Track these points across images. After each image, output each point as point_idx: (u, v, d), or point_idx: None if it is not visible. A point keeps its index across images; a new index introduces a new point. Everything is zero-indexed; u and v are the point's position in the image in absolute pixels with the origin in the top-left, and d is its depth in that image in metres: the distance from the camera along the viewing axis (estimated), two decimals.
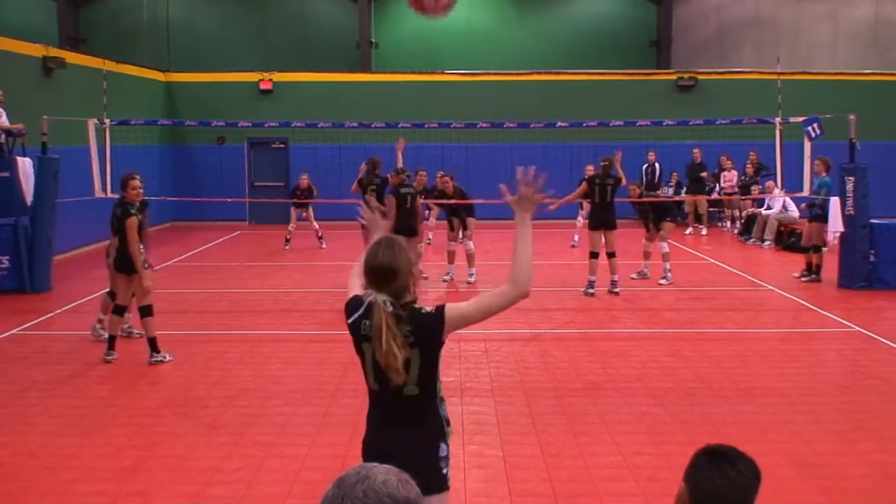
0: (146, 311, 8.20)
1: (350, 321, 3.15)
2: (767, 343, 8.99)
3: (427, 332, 3.06)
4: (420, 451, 3.12)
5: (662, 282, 12.27)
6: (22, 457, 5.82)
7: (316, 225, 16.46)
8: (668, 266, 12.34)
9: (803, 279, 12.57)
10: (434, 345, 3.09)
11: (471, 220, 12.80)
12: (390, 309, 3.01)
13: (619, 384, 7.46)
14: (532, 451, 5.86)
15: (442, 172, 13.20)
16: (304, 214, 16.52)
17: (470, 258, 12.59)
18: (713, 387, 7.37)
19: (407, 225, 11.11)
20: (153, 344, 8.19)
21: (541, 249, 16.14)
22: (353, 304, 3.18)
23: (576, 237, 16.35)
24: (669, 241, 12.81)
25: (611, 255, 11.62)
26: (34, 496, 5.23)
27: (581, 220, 15.95)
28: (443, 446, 3.18)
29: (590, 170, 14.65)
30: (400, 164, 12.31)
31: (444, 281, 12.57)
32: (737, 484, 2.06)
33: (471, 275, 12.47)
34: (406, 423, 3.14)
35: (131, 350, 8.75)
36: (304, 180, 16.55)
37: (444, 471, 3.17)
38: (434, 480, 3.14)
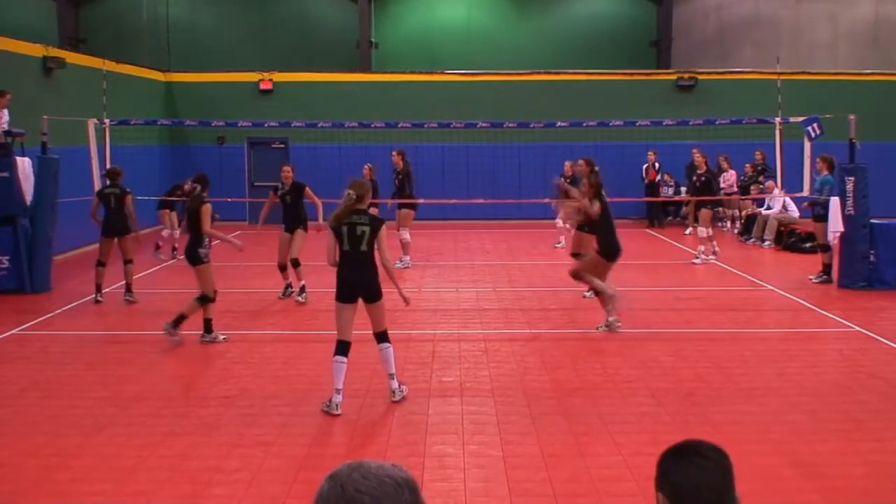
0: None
1: (332, 225, 6.62)
2: (767, 343, 8.99)
3: (374, 222, 6.61)
4: (370, 277, 6.62)
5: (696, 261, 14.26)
6: (22, 457, 5.82)
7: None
8: (701, 248, 14.42)
9: (817, 280, 12.43)
10: (375, 229, 6.55)
11: (403, 212, 13.78)
12: (354, 196, 6.57)
13: (619, 384, 7.46)
14: (532, 451, 5.85)
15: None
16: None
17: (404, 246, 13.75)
18: (713, 387, 7.37)
19: (110, 225, 10.98)
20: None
21: (542, 250, 16.13)
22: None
23: None
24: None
25: None
26: (34, 496, 5.23)
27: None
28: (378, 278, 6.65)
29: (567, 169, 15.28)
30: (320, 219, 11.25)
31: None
32: (715, 468, 1.96)
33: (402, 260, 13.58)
34: (362, 265, 6.59)
35: (131, 350, 8.77)
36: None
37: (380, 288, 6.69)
38: (378, 292, 6.67)
